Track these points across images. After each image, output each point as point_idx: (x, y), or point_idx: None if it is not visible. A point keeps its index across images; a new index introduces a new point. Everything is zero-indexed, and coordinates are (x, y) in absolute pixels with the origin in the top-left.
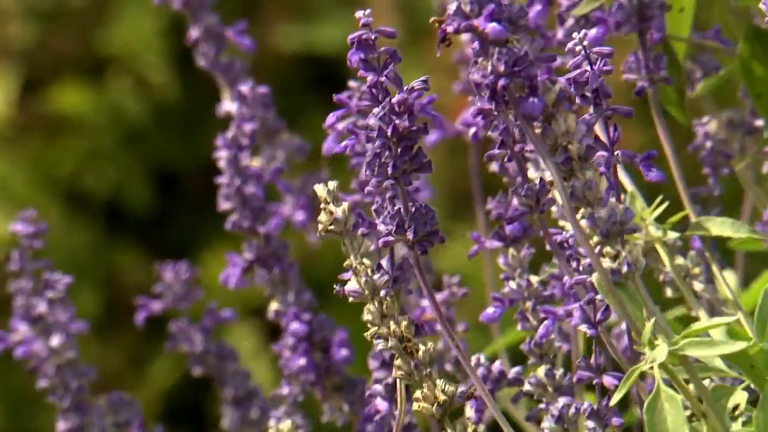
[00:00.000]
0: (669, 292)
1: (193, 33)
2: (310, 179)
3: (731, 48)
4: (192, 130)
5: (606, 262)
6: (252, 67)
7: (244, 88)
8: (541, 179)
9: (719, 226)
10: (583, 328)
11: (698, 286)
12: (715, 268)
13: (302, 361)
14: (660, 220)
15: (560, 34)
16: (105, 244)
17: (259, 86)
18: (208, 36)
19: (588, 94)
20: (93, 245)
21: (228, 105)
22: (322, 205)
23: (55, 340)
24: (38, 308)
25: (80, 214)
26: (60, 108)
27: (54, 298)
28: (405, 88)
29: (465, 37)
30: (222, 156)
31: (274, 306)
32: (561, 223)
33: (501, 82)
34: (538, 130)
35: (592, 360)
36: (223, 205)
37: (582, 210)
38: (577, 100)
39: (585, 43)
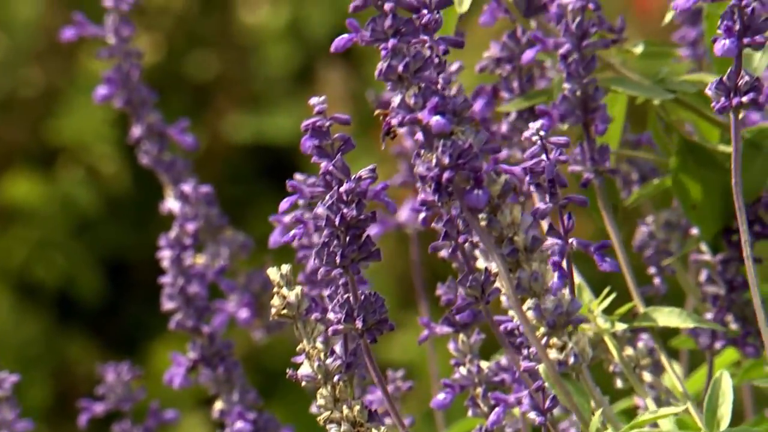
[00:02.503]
0: (619, 383)
1: (136, 131)
2: (254, 276)
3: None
4: (143, 219)
5: (553, 354)
6: (203, 156)
7: (187, 187)
8: (487, 270)
9: (667, 317)
10: (532, 415)
11: (647, 377)
12: (663, 359)
13: None
14: (608, 311)
15: (504, 127)
16: (56, 333)
17: (202, 185)
18: (151, 134)
19: (544, 184)
20: (44, 335)
21: (171, 203)
22: (275, 290)
23: None
24: None
25: (31, 304)
26: (10, 198)
27: (0, 397)
28: (353, 177)
29: (406, 129)
30: (165, 255)
31: (218, 405)
32: (510, 312)
33: (446, 175)
34: (483, 222)
35: None
36: (167, 304)
37: (528, 301)
38: (532, 189)
39: (542, 133)
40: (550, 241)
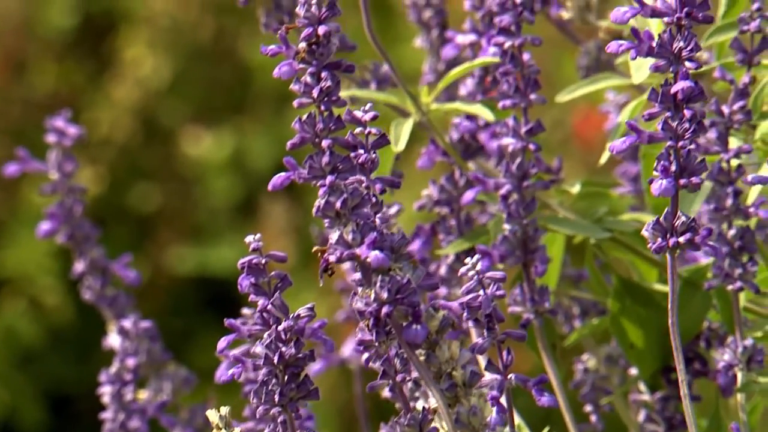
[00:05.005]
0: None
1: (78, 266)
2: (196, 411)
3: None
4: (87, 351)
5: None
6: (146, 288)
7: (127, 323)
8: (425, 408)
9: None
10: None
11: None
12: None
13: None
14: None
15: (443, 269)
16: None
17: (143, 321)
18: (94, 269)
19: (481, 319)
20: None
21: (113, 338)
22: (214, 431)
23: None
24: None
25: None
26: None
27: None
28: (291, 316)
29: (347, 265)
30: (106, 391)
31: None
32: None
33: (384, 310)
34: (422, 357)
35: None
36: None
37: None
38: (470, 324)
39: (478, 268)
40: (489, 376)
